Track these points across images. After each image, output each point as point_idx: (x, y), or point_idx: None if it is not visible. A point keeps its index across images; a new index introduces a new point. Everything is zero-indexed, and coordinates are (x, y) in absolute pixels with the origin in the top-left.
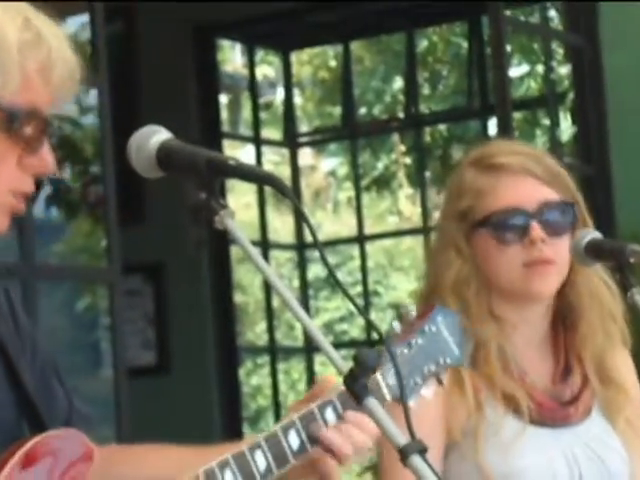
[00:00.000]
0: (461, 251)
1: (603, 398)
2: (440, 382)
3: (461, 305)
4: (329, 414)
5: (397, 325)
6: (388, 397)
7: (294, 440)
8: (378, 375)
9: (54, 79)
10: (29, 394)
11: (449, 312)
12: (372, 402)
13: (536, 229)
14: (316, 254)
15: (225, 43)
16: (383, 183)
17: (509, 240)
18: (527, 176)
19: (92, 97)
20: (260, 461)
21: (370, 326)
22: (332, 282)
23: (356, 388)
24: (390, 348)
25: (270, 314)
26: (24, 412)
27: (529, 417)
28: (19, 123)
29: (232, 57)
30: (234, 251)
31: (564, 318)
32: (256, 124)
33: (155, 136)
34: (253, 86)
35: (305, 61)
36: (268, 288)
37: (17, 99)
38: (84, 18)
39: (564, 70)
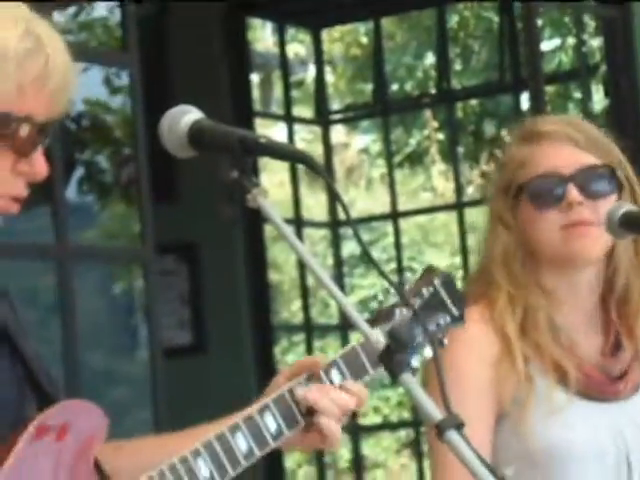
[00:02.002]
0: (507, 224)
1: None
2: (442, 343)
3: (510, 278)
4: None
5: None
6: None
7: (271, 423)
8: (379, 336)
9: (49, 87)
10: (33, 372)
11: (446, 274)
12: (408, 377)
13: (572, 192)
14: (350, 231)
15: (256, 22)
16: (416, 159)
17: (546, 205)
18: (565, 142)
19: (122, 78)
20: (241, 443)
21: (405, 302)
22: (366, 259)
23: (393, 364)
24: (413, 308)
25: (305, 292)
26: (29, 390)
27: (577, 389)
28: (12, 128)
29: (263, 36)
30: (268, 229)
31: (613, 291)
32: (288, 102)
33: (186, 116)
34: (284, 64)
35: (336, 38)
36: (302, 266)
37: (11, 105)
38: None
39: (596, 43)
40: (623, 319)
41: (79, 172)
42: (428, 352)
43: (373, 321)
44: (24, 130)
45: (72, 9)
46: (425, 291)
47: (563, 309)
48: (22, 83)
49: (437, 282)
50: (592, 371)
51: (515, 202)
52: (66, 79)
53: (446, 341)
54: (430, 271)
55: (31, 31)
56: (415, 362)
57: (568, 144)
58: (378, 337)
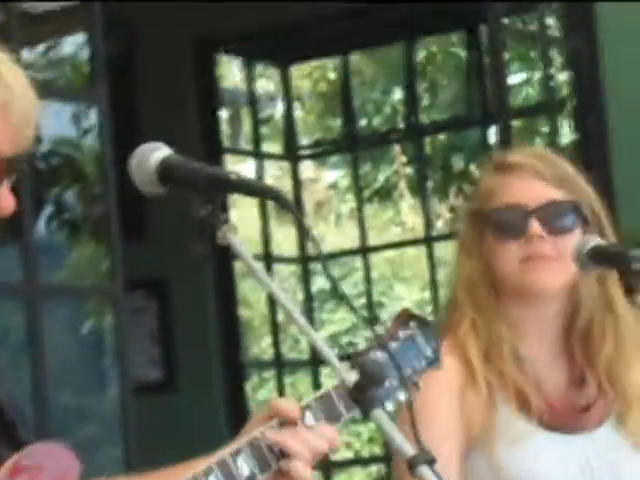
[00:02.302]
0: (471, 252)
1: (615, 407)
2: (417, 386)
3: (475, 306)
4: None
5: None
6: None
7: (245, 467)
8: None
9: (13, 120)
10: (4, 411)
11: (422, 317)
12: (379, 413)
13: (534, 225)
14: (319, 267)
15: (224, 58)
16: (385, 194)
17: (508, 236)
18: (531, 175)
19: (91, 116)
20: None
21: (379, 340)
22: (336, 294)
23: (364, 399)
24: (389, 350)
25: (275, 328)
26: (1, 431)
27: (542, 420)
28: None
29: (231, 72)
30: (238, 266)
31: (576, 324)
32: (256, 138)
33: (156, 153)
34: (253, 101)
35: (304, 74)
36: (273, 302)
37: None
38: (82, 37)
39: (563, 77)
40: (586, 353)
41: (48, 210)
42: (402, 396)
43: (352, 361)
44: None
45: (41, 47)
46: (401, 334)
47: (527, 340)
48: None
49: (413, 324)
50: (557, 403)
51: (481, 230)
52: (30, 112)
53: (421, 384)
54: (406, 313)
55: None
56: (389, 406)
57: (535, 177)
58: (348, 373)
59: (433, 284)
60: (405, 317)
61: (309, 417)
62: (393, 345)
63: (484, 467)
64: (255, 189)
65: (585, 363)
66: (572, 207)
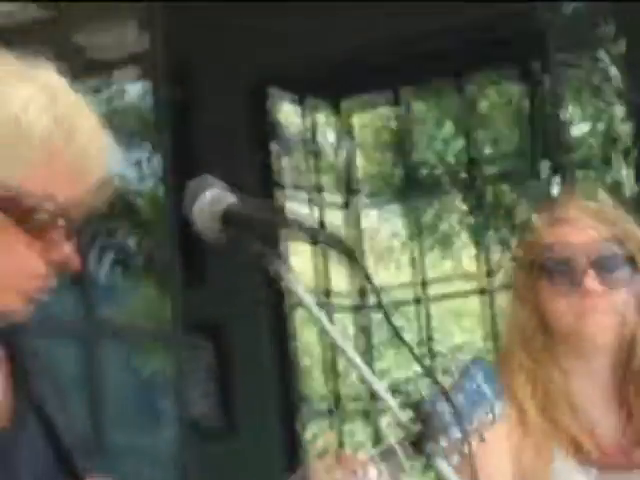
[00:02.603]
0: (527, 301)
1: None
2: (482, 438)
3: (530, 355)
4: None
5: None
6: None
7: None
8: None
9: (64, 166)
10: (69, 454)
11: (486, 365)
12: (441, 462)
13: (590, 279)
14: (379, 316)
15: (285, 105)
16: (446, 243)
17: (563, 289)
18: (589, 228)
19: (151, 163)
20: None
21: (443, 391)
22: (397, 343)
23: (425, 449)
24: (454, 402)
25: (335, 374)
26: (65, 472)
27: (598, 466)
28: (29, 210)
29: (292, 118)
30: (297, 313)
31: (632, 376)
32: (318, 186)
33: (220, 199)
34: (314, 148)
35: (366, 122)
36: (332, 349)
37: (30, 186)
38: (140, 85)
39: (626, 129)
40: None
41: (110, 255)
42: (466, 448)
43: (414, 413)
44: (41, 212)
45: (106, 93)
46: (468, 385)
47: (581, 389)
48: (46, 162)
49: (480, 376)
50: (611, 446)
51: (536, 281)
52: (88, 159)
53: (485, 437)
54: (471, 363)
55: (64, 118)
56: (454, 461)
57: (592, 230)
58: (409, 421)
59: (494, 334)
60: (473, 367)
61: (372, 471)
62: (459, 397)
63: None
64: (323, 239)
65: (636, 402)
66: (627, 261)
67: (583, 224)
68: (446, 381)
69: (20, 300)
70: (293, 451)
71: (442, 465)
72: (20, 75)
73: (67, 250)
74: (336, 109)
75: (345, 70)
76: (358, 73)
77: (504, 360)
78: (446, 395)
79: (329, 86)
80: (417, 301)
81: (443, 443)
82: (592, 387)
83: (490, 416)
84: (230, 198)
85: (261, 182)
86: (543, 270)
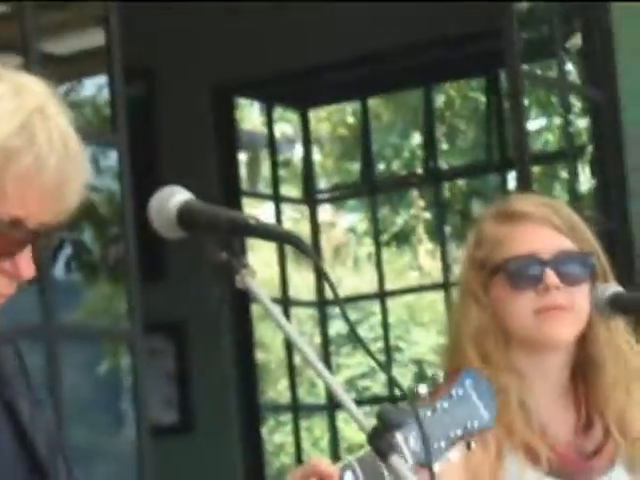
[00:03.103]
0: (479, 300)
1: (626, 454)
2: (469, 447)
3: (482, 356)
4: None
5: (423, 388)
6: (410, 462)
7: None
8: (400, 439)
9: (38, 188)
10: (41, 459)
11: (479, 375)
12: (397, 460)
13: (550, 276)
14: (337, 310)
15: (243, 101)
16: (403, 238)
17: (523, 287)
18: (544, 225)
19: (109, 157)
20: None
21: (392, 382)
22: (353, 338)
23: (381, 445)
24: (417, 412)
25: (292, 371)
26: (30, 465)
27: (551, 470)
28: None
29: (250, 115)
30: (255, 308)
31: (584, 372)
32: (275, 181)
33: (175, 197)
34: (272, 144)
35: (323, 118)
36: (289, 345)
37: None
38: (103, 79)
39: (582, 123)
40: (593, 397)
41: (66, 251)
42: (452, 456)
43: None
44: (8, 235)
45: (62, 88)
46: (454, 392)
47: (534, 390)
48: (2, 183)
49: (468, 383)
50: (565, 450)
51: (489, 279)
52: (61, 179)
53: (473, 445)
54: (462, 371)
55: (27, 124)
56: (435, 467)
57: (547, 227)
58: (365, 418)
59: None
60: (461, 374)
61: (349, 477)
62: (444, 404)
63: None
64: (274, 234)
65: (592, 409)
66: (584, 257)
67: (537, 220)
68: (422, 388)
69: None
70: (251, 449)
71: (397, 461)
72: None
73: (21, 261)
74: (303, 119)
75: (313, 80)
76: (324, 85)
77: (452, 359)
78: (413, 408)
79: (296, 96)
80: (374, 296)
81: (405, 450)
82: (545, 389)
83: (476, 425)
84: (186, 195)
85: (221, 182)
86: (499, 269)
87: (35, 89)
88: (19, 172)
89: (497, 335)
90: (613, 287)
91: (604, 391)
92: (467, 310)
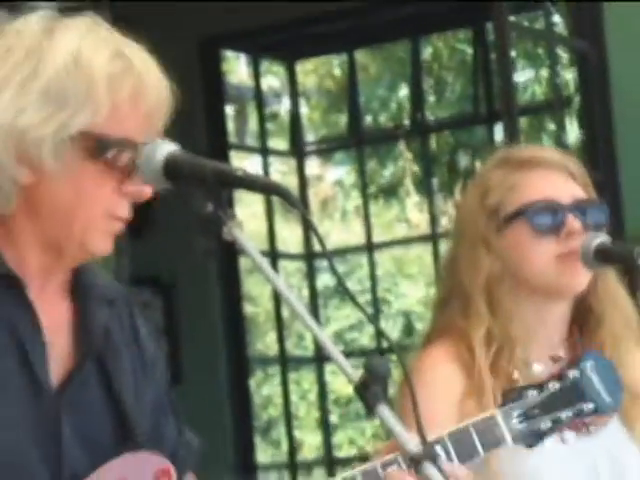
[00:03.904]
0: (492, 248)
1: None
2: (587, 429)
3: (493, 308)
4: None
5: (539, 368)
6: (509, 440)
7: None
8: (499, 416)
9: (144, 107)
10: (129, 418)
11: (603, 358)
12: (383, 409)
13: (573, 221)
14: (325, 263)
15: (230, 54)
16: (390, 191)
17: (544, 232)
18: (561, 171)
19: None
20: None
21: (380, 334)
22: (341, 291)
23: (367, 396)
24: (510, 391)
25: (280, 324)
26: (122, 433)
27: None
28: (112, 152)
29: (237, 68)
30: (243, 262)
31: (581, 322)
32: (262, 134)
33: (162, 148)
34: (259, 97)
35: (310, 71)
36: (278, 298)
37: (108, 129)
38: None
39: (569, 75)
40: (589, 347)
41: None
42: (567, 436)
43: (502, 398)
44: (124, 154)
45: None
46: (570, 373)
47: (537, 343)
48: (115, 104)
49: (589, 365)
50: None
51: (504, 226)
52: (160, 97)
53: (592, 428)
54: (584, 354)
55: (122, 53)
56: (548, 442)
57: (563, 173)
58: (353, 370)
59: (437, 283)
60: (582, 357)
61: (438, 450)
62: (556, 385)
63: (482, 476)
64: (260, 185)
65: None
66: (600, 205)
67: (555, 166)
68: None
69: (107, 241)
70: (239, 401)
71: (384, 410)
72: (56, 27)
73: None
74: (290, 71)
75: (300, 33)
76: (311, 37)
77: (446, 312)
78: (540, 384)
79: (283, 49)
80: (361, 249)
81: (504, 429)
82: (547, 342)
83: (593, 407)
84: (172, 147)
85: (207, 135)
86: (517, 213)
87: (100, 27)
88: (130, 93)
89: (510, 283)
90: (600, 237)
91: (602, 341)
92: (476, 258)
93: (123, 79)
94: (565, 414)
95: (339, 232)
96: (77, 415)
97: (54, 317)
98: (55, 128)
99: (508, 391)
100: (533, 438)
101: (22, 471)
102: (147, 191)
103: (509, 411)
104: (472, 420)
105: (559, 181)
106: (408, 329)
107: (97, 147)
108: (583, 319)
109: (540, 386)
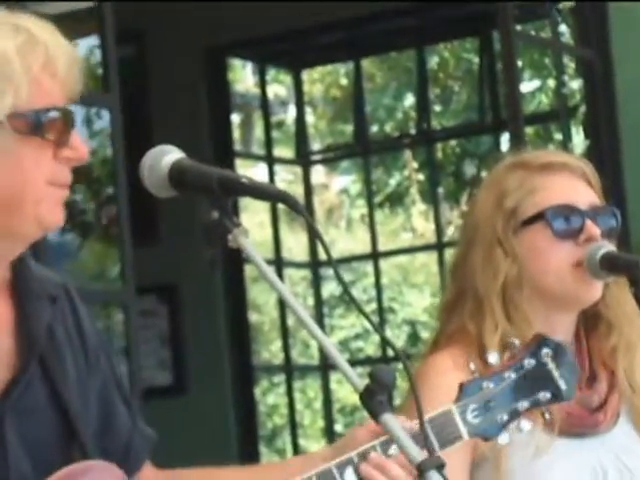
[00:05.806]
0: (508, 250)
1: (631, 406)
2: (544, 417)
3: (509, 312)
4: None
5: (495, 357)
6: (465, 435)
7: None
8: (455, 411)
9: (59, 71)
10: (73, 419)
11: (558, 344)
12: (389, 418)
13: (592, 227)
14: (330, 272)
15: (236, 62)
16: (396, 200)
17: (563, 236)
18: (580, 177)
19: (102, 118)
20: None
21: (385, 343)
22: (347, 299)
23: (373, 404)
24: (466, 385)
25: (285, 332)
26: (67, 433)
27: (560, 428)
28: (44, 125)
29: (243, 76)
30: (248, 270)
31: (589, 328)
32: (268, 143)
33: (167, 156)
34: (265, 105)
35: (316, 79)
36: (283, 306)
37: (34, 103)
38: (94, 40)
39: (575, 84)
40: (598, 352)
41: None
42: (525, 425)
43: (459, 391)
44: (54, 120)
45: None
46: (526, 361)
47: None
48: (33, 77)
49: (544, 353)
50: (571, 406)
51: (522, 229)
52: (72, 58)
53: (548, 416)
54: (537, 341)
55: (20, 27)
56: (504, 439)
57: (582, 179)
58: (358, 379)
59: (444, 290)
60: (536, 344)
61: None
62: (512, 375)
63: (492, 476)
64: (266, 193)
65: (596, 363)
66: (615, 213)
67: (575, 171)
68: (493, 357)
69: (58, 211)
70: (245, 409)
71: (390, 419)
72: None
73: (75, 141)
74: (296, 80)
75: (307, 41)
76: (318, 46)
77: (455, 317)
78: (496, 373)
79: (290, 57)
80: (367, 257)
81: (489, 424)
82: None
83: (550, 396)
84: (178, 154)
85: (213, 143)
86: (537, 217)
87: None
88: (42, 62)
89: (526, 287)
90: (605, 246)
91: (613, 347)
92: (493, 261)
93: (33, 51)
94: (522, 404)
95: (345, 241)
96: (21, 418)
97: None
98: None
99: (465, 384)
100: (490, 431)
101: None
102: (84, 152)
103: (465, 406)
104: (429, 416)
105: (579, 186)
106: (413, 338)
107: (28, 125)
108: (591, 324)
109: (496, 377)
